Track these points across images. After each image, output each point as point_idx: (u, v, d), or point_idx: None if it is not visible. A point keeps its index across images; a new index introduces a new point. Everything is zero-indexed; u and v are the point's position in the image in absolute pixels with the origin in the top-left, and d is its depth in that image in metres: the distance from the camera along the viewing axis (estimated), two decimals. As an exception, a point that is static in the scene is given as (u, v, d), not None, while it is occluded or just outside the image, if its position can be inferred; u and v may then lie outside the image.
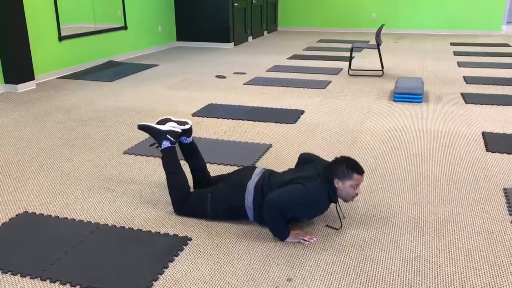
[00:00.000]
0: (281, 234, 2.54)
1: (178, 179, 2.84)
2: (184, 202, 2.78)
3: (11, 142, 4.09)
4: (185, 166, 2.96)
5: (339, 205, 2.73)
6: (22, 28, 5.88)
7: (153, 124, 2.92)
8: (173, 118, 2.98)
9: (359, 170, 2.58)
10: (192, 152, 3.06)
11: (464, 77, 6.70)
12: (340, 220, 2.74)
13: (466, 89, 6.01)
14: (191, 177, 3.04)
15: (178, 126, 2.92)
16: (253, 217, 2.69)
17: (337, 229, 2.68)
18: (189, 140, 3.02)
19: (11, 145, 4.01)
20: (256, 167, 2.84)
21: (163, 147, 2.86)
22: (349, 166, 2.57)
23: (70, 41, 7.05)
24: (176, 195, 2.81)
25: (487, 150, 3.88)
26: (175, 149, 2.90)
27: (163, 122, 2.93)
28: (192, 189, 2.94)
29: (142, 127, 2.93)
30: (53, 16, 6.69)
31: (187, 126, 2.95)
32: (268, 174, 2.74)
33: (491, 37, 11.09)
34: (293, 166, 2.97)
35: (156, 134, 2.88)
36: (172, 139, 2.87)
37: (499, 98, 5.48)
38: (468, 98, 5.49)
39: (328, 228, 2.68)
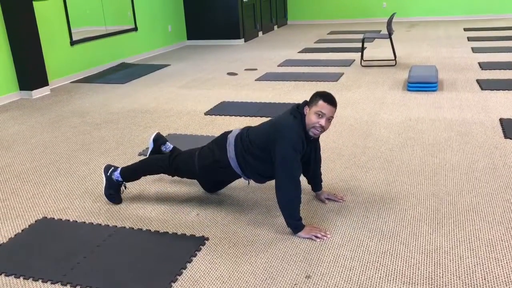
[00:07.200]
0: (295, 223, 2.52)
1: (148, 165, 2.96)
2: (174, 162, 2.84)
3: (28, 148, 4.14)
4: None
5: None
6: (34, 35, 5.94)
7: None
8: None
9: (326, 98, 2.52)
10: None
11: (479, 63, 6.59)
12: None
13: (482, 75, 5.90)
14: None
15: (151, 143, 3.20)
16: (240, 170, 2.68)
17: None
18: (169, 147, 3.16)
19: (28, 152, 4.06)
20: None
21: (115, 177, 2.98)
22: (318, 93, 2.57)
23: (82, 45, 7.10)
24: (157, 170, 2.91)
25: (506, 137, 3.81)
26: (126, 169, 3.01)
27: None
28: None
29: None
30: (64, 21, 6.74)
31: (153, 136, 3.21)
32: (247, 128, 2.76)
33: (505, 21, 10.88)
34: None
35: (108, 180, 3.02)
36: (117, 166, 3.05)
37: (516, 83, 5.38)
38: (484, 85, 5.39)
39: (343, 223, 2.65)
